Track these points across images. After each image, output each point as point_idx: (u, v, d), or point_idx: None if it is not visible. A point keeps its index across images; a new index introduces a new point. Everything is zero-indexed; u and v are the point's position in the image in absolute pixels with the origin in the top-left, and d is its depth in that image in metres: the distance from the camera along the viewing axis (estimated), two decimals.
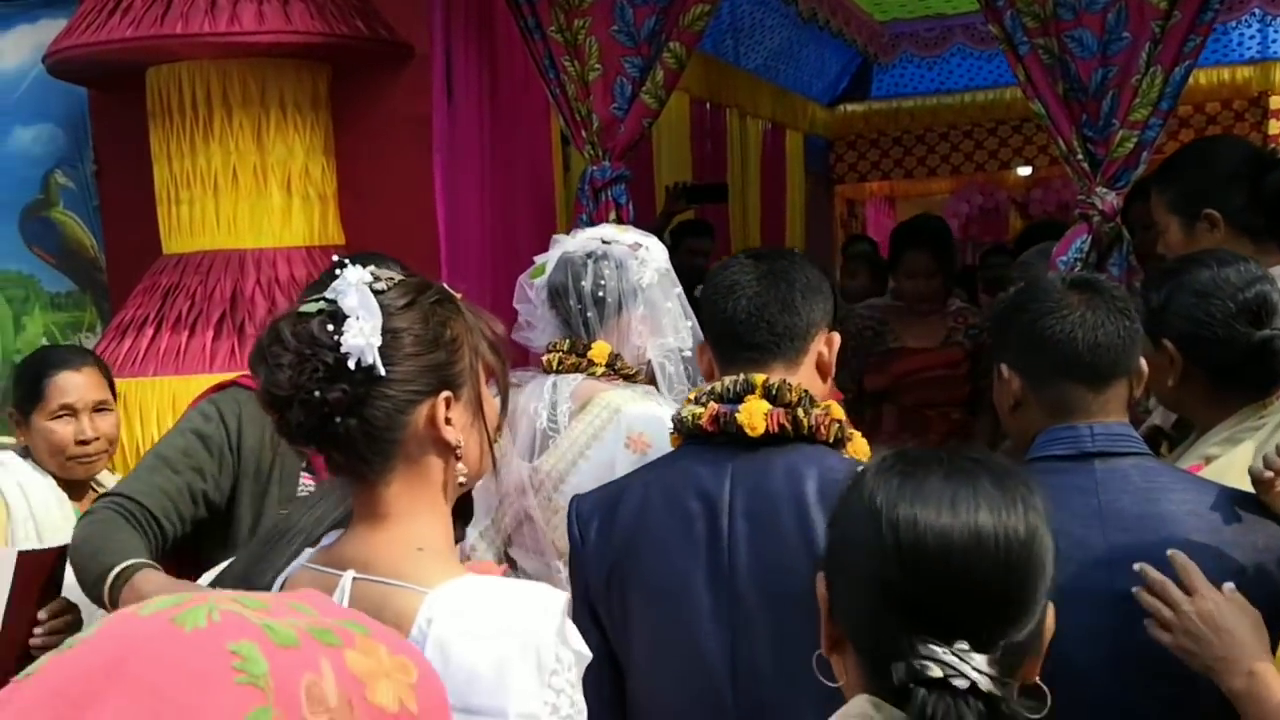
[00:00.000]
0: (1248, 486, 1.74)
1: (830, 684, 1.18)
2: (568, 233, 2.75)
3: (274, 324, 1.37)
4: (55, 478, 2.57)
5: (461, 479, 1.43)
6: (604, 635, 1.87)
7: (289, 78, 3.76)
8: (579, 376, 2.47)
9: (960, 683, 1.03)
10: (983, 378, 2.09)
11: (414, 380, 1.36)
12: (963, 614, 1.07)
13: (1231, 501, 1.72)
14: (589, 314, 2.48)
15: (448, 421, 1.38)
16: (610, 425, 2.38)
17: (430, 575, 1.32)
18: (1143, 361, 1.82)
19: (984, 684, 1.03)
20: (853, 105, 8.13)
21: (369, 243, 3.87)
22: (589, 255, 2.50)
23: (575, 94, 3.64)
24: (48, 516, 2.49)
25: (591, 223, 3.62)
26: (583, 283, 2.48)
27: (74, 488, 2.60)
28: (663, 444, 2.05)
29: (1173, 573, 1.59)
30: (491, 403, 1.47)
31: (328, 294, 1.34)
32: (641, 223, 3.88)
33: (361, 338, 1.30)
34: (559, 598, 1.33)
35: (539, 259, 2.63)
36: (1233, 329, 1.99)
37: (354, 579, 1.35)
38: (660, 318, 2.52)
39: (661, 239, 2.88)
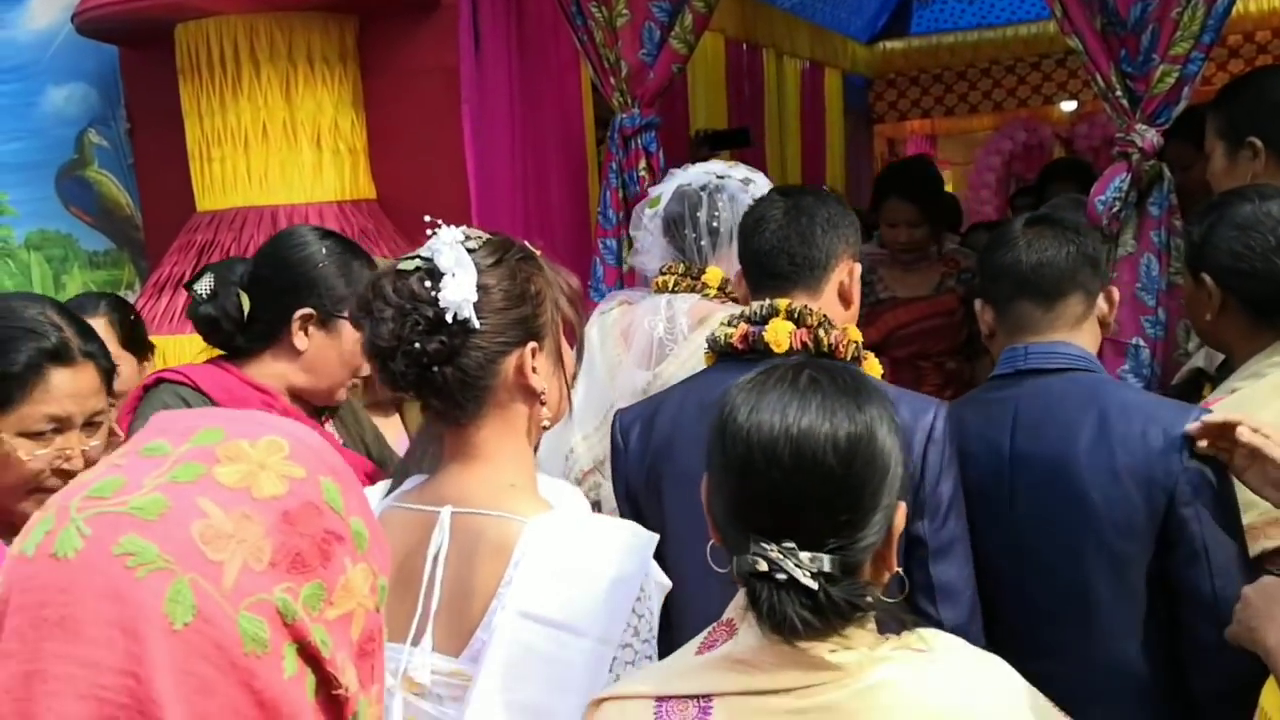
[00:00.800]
0: (1264, 419, 1.79)
1: (721, 570, 1.25)
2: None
3: (376, 280, 1.49)
4: None
5: (545, 422, 1.56)
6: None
7: (316, 31, 3.74)
8: (694, 296, 2.65)
9: (781, 576, 1.11)
10: (975, 321, 2.20)
11: (504, 332, 1.48)
12: (790, 515, 1.15)
13: (1159, 425, 1.85)
14: (703, 242, 2.68)
15: (534, 370, 1.51)
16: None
17: (525, 508, 1.46)
18: (1115, 291, 2.02)
19: (803, 578, 1.11)
20: (892, 42, 7.99)
21: (400, 196, 3.88)
22: (704, 188, 2.70)
23: (603, 40, 3.58)
24: None
25: (621, 172, 3.59)
26: (699, 213, 2.67)
27: None
28: None
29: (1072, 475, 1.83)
30: (569, 352, 1.61)
31: (423, 252, 1.48)
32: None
33: (458, 293, 1.43)
34: (646, 533, 1.47)
35: (653, 190, 2.86)
36: (1272, 262, 2.02)
37: (453, 512, 1.47)
38: None
39: None
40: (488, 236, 1.53)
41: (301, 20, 3.71)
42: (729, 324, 2.00)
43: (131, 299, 4.13)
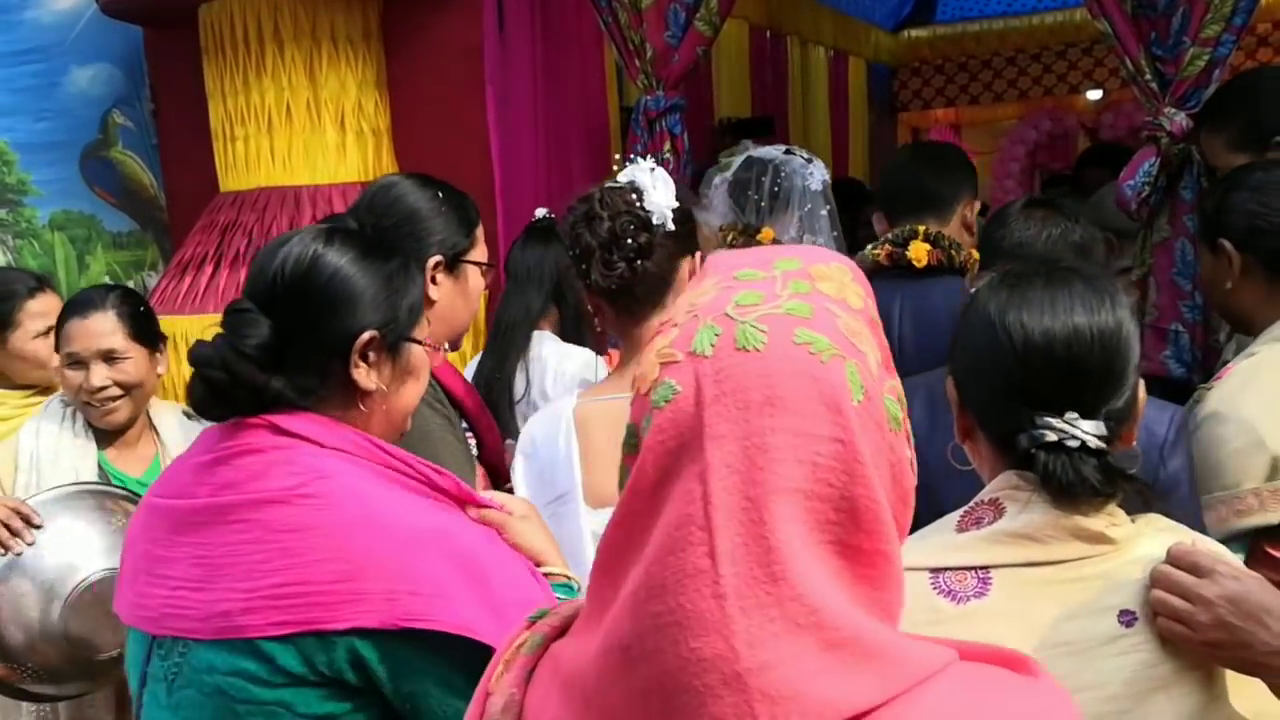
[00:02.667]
0: (1276, 385, 1.88)
1: (964, 467, 1.46)
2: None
3: (587, 196, 1.87)
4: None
5: None
6: None
7: (339, 10, 3.74)
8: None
9: (1072, 443, 1.27)
10: None
11: (682, 240, 1.89)
12: (1069, 391, 1.31)
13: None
14: (763, 204, 3.12)
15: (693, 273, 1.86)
16: None
17: None
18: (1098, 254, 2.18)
19: (1093, 443, 1.27)
20: (917, 30, 7.93)
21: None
22: (771, 160, 3.16)
23: (628, 22, 3.56)
24: (54, 466, 2.42)
25: (646, 154, 3.56)
26: (764, 179, 3.11)
27: (110, 436, 2.52)
28: None
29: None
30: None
31: (621, 177, 1.88)
32: (698, 158, 3.86)
33: (661, 201, 1.83)
34: None
35: (723, 157, 3.41)
36: None
37: None
38: (815, 221, 3.19)
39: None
40: (659, 168, 1.93)
41: (325, 0, 3.71)
42: (873, 246, 2.48)
43: (154, 280, 4.15)
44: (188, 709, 1.36)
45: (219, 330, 1.41)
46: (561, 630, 0.97)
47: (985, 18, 7.74)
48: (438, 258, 1.96)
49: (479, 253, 2.02)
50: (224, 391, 1.37)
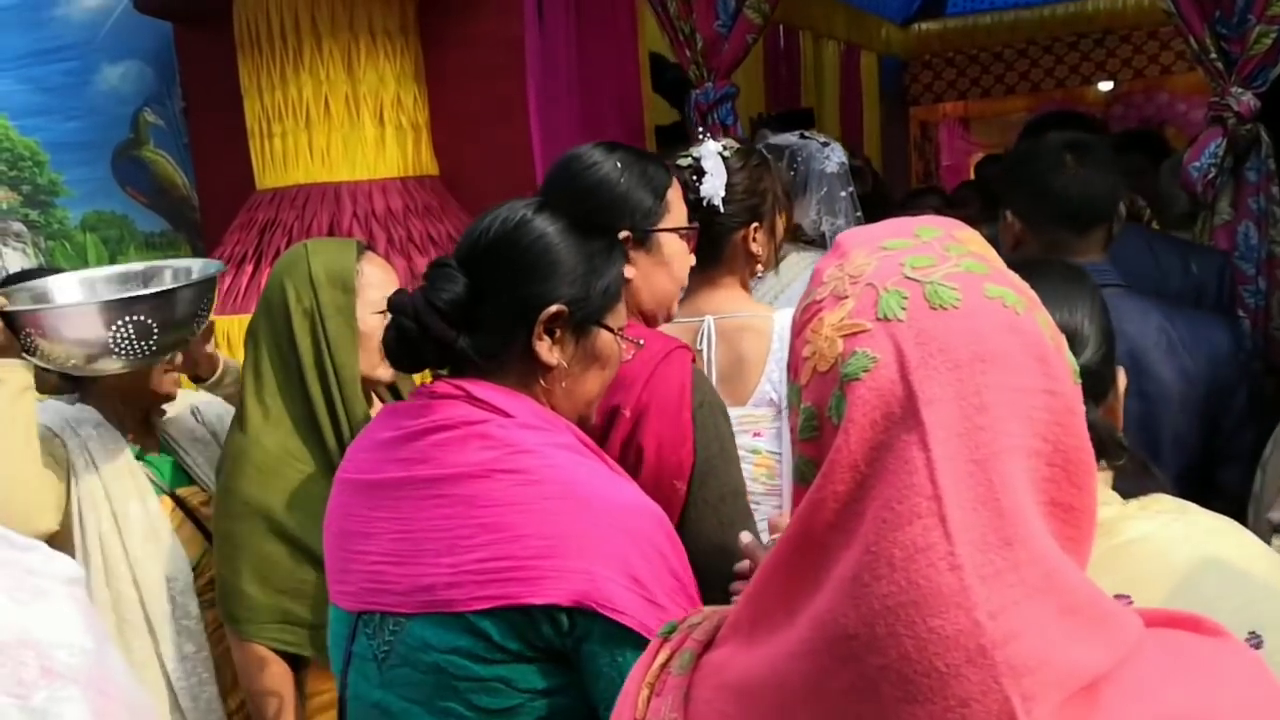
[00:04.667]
0: None
1: None
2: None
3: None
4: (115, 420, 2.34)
5: (759, 275, 2.27)
6: None
7: (377, 2, 3.67)
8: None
9: None
10: None
11: (739, 215, 2.17)
12: None
13: (1186, 318, 2.16)
14: None
15: (754, 240, 2.19)
16: (806, 273, 2.83)
17: (766, 310, 2.20)
18: (1121, 207, 2.24)
19: None
20: (928, 23, 7.89)
21: (463, 171, 3.81)
22: (788, 146, 3.23)
23: (677, 12, 3.52)
24: (103, 455, 2.27)
25: None
26: (779, 163, 3.00)
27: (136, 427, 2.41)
28: None
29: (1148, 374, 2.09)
30: (778, 229, 2.27)
31: (693, 152, 2.16)
32: None
33: (713, 188, 2.11)
34: None
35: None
36: None
37: (715, 319, 2.19)
38: (835, 203, 3.23)
39: None
40: (738, 146, 2.20)
41: None
42: None
43: None
44: (403, 687, 1.35)
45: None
46: (707, 644, 0.93)
47: (996, 9, 7.71)
48: (623, 234, 1.82)
49: (673, 218, 1.90)
50: (413, 341, 1.39)
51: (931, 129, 9.13)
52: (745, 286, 2.25)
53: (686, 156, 2.12)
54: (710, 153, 2.09)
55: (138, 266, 2.43)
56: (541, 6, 3.72)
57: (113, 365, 2.11)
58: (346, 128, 3.68)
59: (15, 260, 4.02)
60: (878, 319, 0.81)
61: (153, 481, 2.33)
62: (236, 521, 2.03)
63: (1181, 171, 3.05)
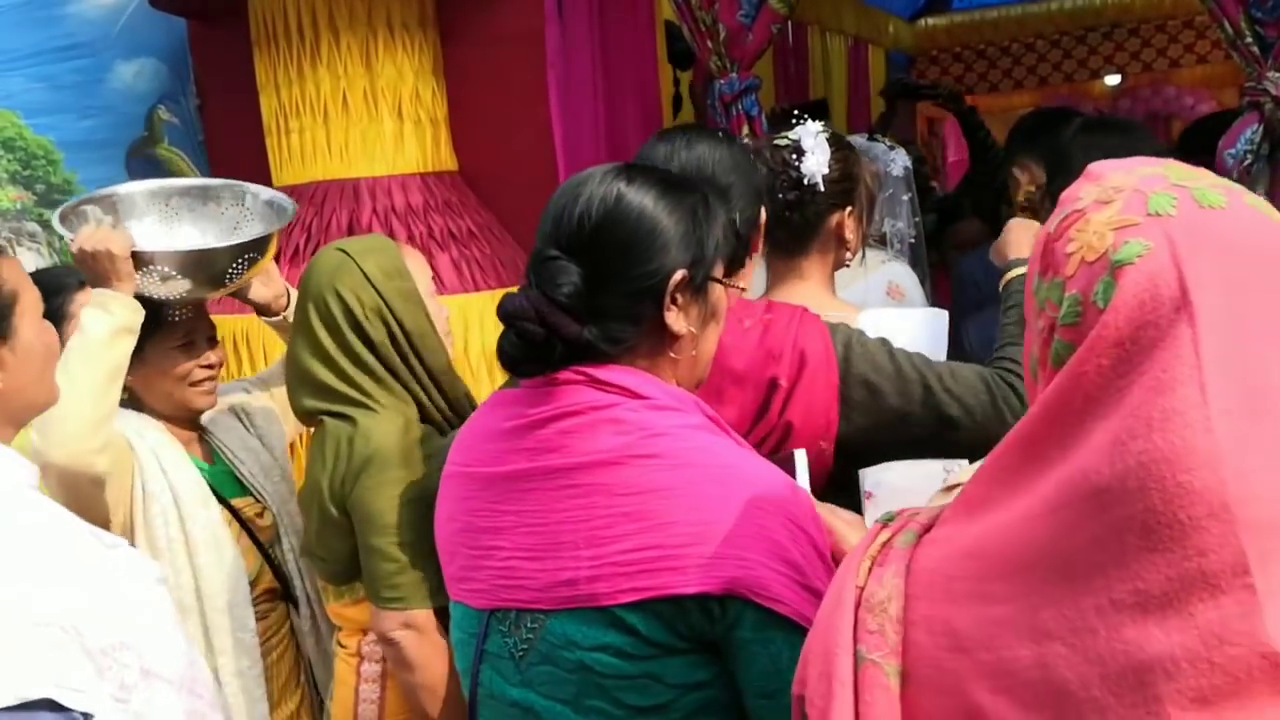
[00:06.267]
0: None
1: None
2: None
3: (757, 149, 2.10)
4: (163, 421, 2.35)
5: (847, 263, 2.19)
6: None
7: None
8: None
9: None
10: None
11: (834, 197, 2.10)
12: None
13: None
14: None
15: (847, 225, 2.13)
16: (875, 274, 2.95)
17: (853, 310, 2.11)
18: None
19: None
20: (935, 19, 7.87)
21: (482, 167, 3.77)
22: (855, 146, 3.32)
23: (698, 3, 3.49)
24: (171, 463, 2.25)
25: None
26: None
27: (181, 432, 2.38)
28: (915, 295, 2.94)
29: None
30: (865, 219, 2.23)
31: (791, 135, 2.11)
32: None
33: (815, 166, 2.07)
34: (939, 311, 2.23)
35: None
36: None
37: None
38: (897, 205, 3.31)
39: None
40: (833, 132, 2.16)
41: None
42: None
43: None
44: (546, 685, 1.31)
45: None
46: (929, 527, 1.00)
47: (1003, 4, 7.69)
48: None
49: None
50: (540, 344, 1.30)
51: (938, 124, 9.09)
52: (831, 280, 2.18)
53: (783, 138, 2.10)
54: (810, 132, 2.07)
55: (196, 181, 2.61)
56: (561, 2, 3.68)
57: (210, 294, 2.33)
58: (365, 123, 3.64)
59: (30, 261, 3.97)
60: (1149, 214, 0.87)
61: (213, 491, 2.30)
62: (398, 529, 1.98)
63: (1217, 158, 3.02)
